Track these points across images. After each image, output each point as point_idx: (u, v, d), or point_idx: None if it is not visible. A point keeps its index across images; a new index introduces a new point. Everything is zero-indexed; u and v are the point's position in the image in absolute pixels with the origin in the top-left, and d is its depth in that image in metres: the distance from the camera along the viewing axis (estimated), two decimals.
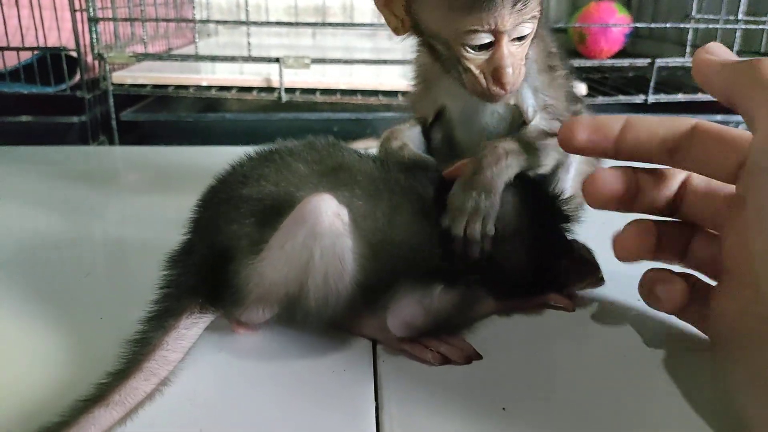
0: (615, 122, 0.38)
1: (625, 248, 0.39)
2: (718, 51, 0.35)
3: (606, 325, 0.42)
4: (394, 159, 0.44)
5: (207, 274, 0.36)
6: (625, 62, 1.02)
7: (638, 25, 1.16)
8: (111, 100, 0.91)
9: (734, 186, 0.35)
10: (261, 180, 0.37)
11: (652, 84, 0.96)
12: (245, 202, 0.37)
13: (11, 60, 0.91)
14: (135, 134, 0.95)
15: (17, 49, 0.90)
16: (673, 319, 0.40)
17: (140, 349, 0.34)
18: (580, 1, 1.48)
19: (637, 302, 0.41)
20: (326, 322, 0.37)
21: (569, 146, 0.38)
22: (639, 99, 0.96)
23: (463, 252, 0.39)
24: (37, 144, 0.86)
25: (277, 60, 0.89)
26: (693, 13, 1.00)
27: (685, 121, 0.37)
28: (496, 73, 0.40)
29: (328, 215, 0.34)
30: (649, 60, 0.98)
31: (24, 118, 0.90)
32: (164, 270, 0.38)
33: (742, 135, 0.35)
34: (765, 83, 0.30)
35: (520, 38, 0.40)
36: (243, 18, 0.98)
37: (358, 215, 0.37)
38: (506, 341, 0.39)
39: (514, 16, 0.38)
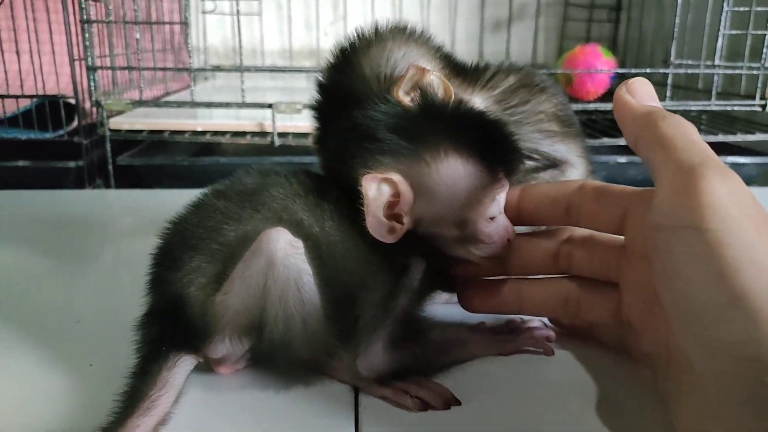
0: (512, 192, 0.42)
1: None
2: (639, 90, 0.36)
3: (585, 369, 0.43)
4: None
5: (171, 321, 0.38)
6: (609, 105, 1.05)
7: (620, 70, 1.19)
8: (108, 146, 0.93)
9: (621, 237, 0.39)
10: (192, 228, 0.39)
11: None
12: (180, 250, 0.39)
13: (11, 107, 0.94)
14: (131, 178, 0.97)
15: (17, 97, 0.93)
16: None
17: (133, 395, 0.36)
18: (566, 44, 1.52)
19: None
20: (298, 356, 0.38)
21: None
22: (623, 141, 0.98)
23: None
24: (34, 188, 0.88)
25: (270, 106, 0.92)
26: (672, 58, 1.03)
27: (573, 183, 0.41)
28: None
29: (282, 244, 0.36)
30: None
31: (21, 163, 0.92)
32: (137, 331, 0.39)
33: (622, 190, 0.39)
34: (663, 142, 0.32)
35: None
36: (238, 62, 1.01)
37: (306, 243, 0.38)
38: (484, 386, 0.40)
39: None
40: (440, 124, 0.38)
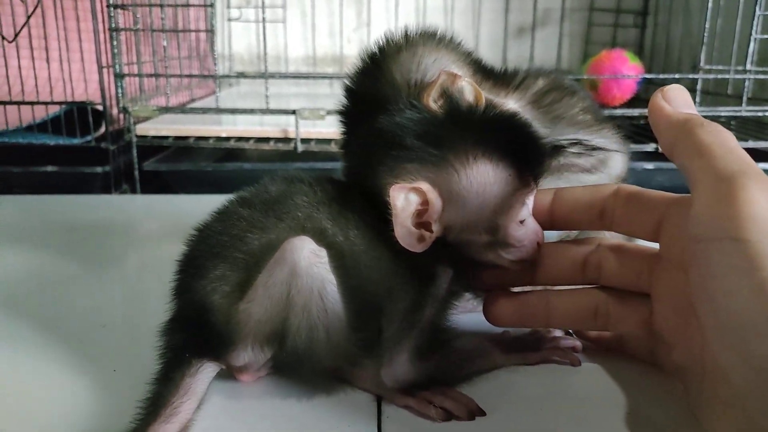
0: (544, 196, 0.41)
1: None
2: (675, 97, 0.35)
3: (613, 381, 0.42)
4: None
5: (194, 328, 0.38)
6: (635, 111, 1.03)
7: (648, 75, 1.17)
8: (134, 151, 0.95)
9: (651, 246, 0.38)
10: (216, 235, 0.39)
11: None
12: (204, 258, 0.39)
13: (40, 113, 0.95)
14: (157, 183, 0.98)
15: (46, 103, 0.94)
16: None
17: (155, 402, 0.36)
18: (591, 50, 1.51)
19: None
20: (321, 366, 0.38)
21: None
22: (650, 147, 0.97)
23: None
24: (62, 193, 0.89)
25: (293, 112, 0.92)
26: (702, 63, 1.01)
27: (607, 187, 0.40)
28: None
29: (306, 253, 0.36)
30: None
31: (50, 168, 0.93)
32: (160, 337, 0.39)
33: (659, 195, 0.38)
34: (701, 150, 0.31)
35: None
36: (263, 69, 1.02)
37: (330, 251, 0.37)
38: (510, 397, 0.39)
39: None
40: (467, 130, 0.37)
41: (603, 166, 0.49)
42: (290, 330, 0.37)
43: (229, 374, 0.41)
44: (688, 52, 1.33)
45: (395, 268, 0.38)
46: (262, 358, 0.39)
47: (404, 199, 0.36)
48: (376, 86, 0.45)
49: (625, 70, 1.22)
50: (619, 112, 1.06)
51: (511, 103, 0.47)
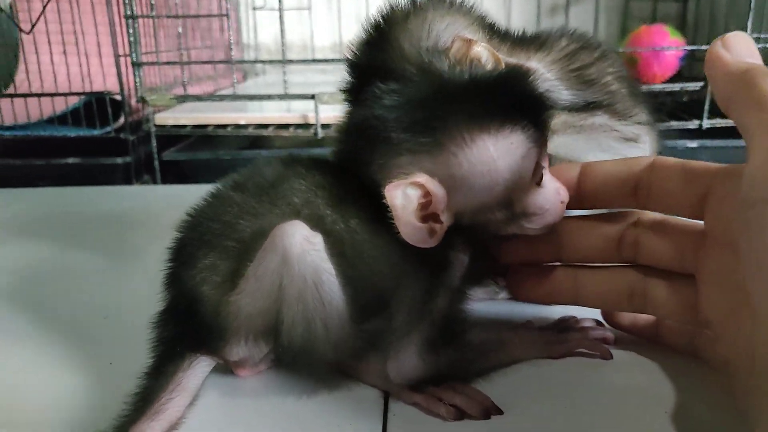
0: (571, 170, 0.38)
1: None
2: (737, 45, 0.31)
3: (648, 375, 0.38)
4: None
5: (185, 320, 0.36)
6: (676, 86, 0.97)
7: (688, 47, 1.10)
8: (153, 141, 0.94)
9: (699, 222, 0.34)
10: (207, 222, 0.37)
11: (706, 108, 0.90)
12: (194, 246, 0.36)
13: (60, 105, 0.95)
14: (177, 173, 0.97)
15: (65, 95, 0.94)
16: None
17: (144, 397, 0.34)
18: (630, 25, 1.44)
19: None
20: (320, 360, 0.35)
21: None
22: (693, 124, 0.91)
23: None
24: (83, 185, 0.89)
25: (312, 97, 0.90)
26: (748, 32, 0.94)
27: (643, 160, 0.37)
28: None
29: (298, 239, 0.33)
30: (701, 83, 0.92)
31: (71, 160, 0.93)
32: (153, 329, 0.37)
33: (703, 166, 0.34)
34: (762, 103, 0.27)
35: None
36: (289, 57, 0.99)
37: (328, 239, 0.34)
38: (530, 393, 0.36)
39: None
40: (454, 106, 0.34)
41: (641, 138, 0.44)
42: (285, 323, 0.34)
43: (227, 369, 0.39)
44: (735, 24, 1.25)
45: (403, 255, 0.35)
46: (258, 352, 0.37)
47: (402, 197, 0.33)
48: (382, 58, 0.42)
49: (666, 45, 1.15)
50: (658, 87, 1.00)
51: (535, 65, 0.43)
